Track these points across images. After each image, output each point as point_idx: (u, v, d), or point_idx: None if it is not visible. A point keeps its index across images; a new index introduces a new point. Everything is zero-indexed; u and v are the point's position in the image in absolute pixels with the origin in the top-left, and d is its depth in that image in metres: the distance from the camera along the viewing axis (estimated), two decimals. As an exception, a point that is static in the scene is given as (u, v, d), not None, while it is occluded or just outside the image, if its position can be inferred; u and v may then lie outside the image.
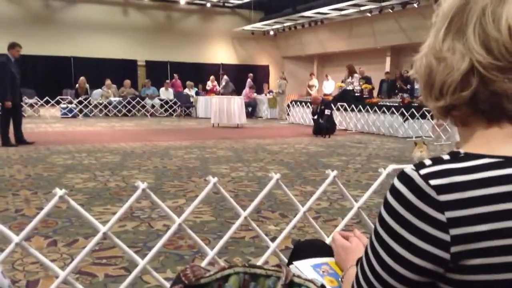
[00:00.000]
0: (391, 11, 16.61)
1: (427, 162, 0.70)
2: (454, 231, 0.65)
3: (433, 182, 0.67)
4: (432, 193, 0.66)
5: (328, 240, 1.84)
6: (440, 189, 0.66)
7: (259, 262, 2.11)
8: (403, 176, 0.70)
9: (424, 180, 0.67)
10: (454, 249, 0.66)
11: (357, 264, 0.88)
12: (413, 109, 10.20)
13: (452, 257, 0.66)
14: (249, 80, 16.88)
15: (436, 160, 0.70)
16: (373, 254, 0.74)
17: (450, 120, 0.77)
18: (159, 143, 8.55)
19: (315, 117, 10.63)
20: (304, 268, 1.10)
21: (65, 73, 20.28)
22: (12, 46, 7.83)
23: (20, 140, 8.04)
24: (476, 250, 0.65)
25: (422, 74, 0.76)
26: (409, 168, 0.70)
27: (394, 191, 0.70)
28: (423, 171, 0.68)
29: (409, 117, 10.16)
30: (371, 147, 8.42)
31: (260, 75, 23.76)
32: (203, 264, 2.04)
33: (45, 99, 15.15)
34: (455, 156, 0.70)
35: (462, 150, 0.71)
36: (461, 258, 0.66)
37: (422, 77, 0.77)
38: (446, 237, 0.65)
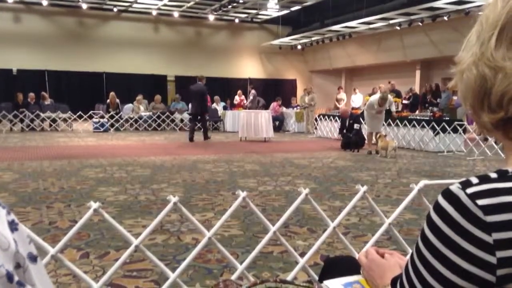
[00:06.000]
0: (420, 24, 16.43)
1: (474, 180, 0.67)
2: (501, 254, 0.63)
3: (480, 202, 0.64)
4: (479, 213, 0.64)
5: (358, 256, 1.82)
6: (487, 210, 0.64)
7: (288, 277, 2.10)
8: (448, 194, 0.68)
9: (471, 200, 0.65)
10: (500, 272, 0.63)
11: (392, 283, 0.86)
12: (444, 123, 10.00)
13: (498, 280, 0.63)
14: (253, 92, 17.12)
15: (483, 178, 0.67)
16: (415, 273, 0.72)
17: (502, 132, 0.72)
18: (188, 156, 8.65)
19: (344, 131, 10.58)
20: (336, 287, 1.09)
21: (98, 88, 20.85)
22: (202, 77, 12.59)
23: (207, 136, 12.35)
24: None
25: (473, 85, 0.71)
26: (455, 186, 0.68)
27: (439, 209, 0.68)
28: (470, 190, 0.66)
29: (440, 131, 9.97)
30: (401, 162, 8.29)
31: (287, 89, 23.82)
32: (232, 278, 2.04)
33: (78, 113, 15.58)
34: (503, 175, 0.68)
35: (510, 169, 0.69)
36: (507, 281, 0.63)
37: (472, 87, 0.72)
38: (492, 260, 0.63)
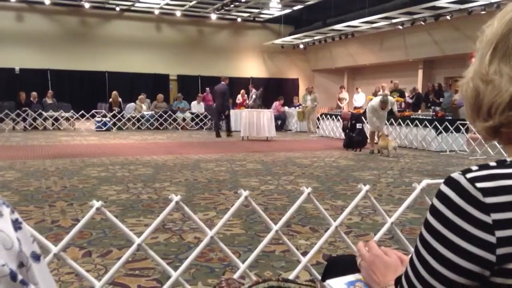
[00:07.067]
0: (423, 23, 16.39)
1: (474, 167, 0.72)
2: (500, 233, 0.66)
3: (479, 185, 0.68)
4: (479, 195, 0.68)
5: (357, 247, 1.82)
6: (486, 192, 0.68)
7: (290, 276, 2.10)
8: (450, 181, 0.72)
9: (470, 183, 0.69)
10: (499, 251, 0.66)
11: (395, 283, 0.87)
12: (446, 123, 9.98)
13: (498, 259, 0.67)
14: (254, 90, 17.14)
15: (483, 166, 0.72)
16: (419, 261, 0.74)
17: (498, 139, 0.80)
18: (190, 156, 8.65)
19: (347, 131, 10.59)
20: (338, 286, 1.09)
21: (100, 87, 20.87)
22: (226, 78, 13.66)
23: (230, 132, 13.74)
24: None
25: (469, 97, 0.80)
26: (456, 173, 0.72)
27: (441, 195, 0.72)
28: (470, 175, 0.70)
29: (442, 131, 9.95)
30: (403, 161, 8.28)
31: (289, 88, 23.80)
32: (234, 277, 2.04)
33: (80, 112, 15.60)
34: (502, 163, 0.72)
35: (509, 159, 0.74)
36: (506, 260, 0.67)
37: (469, 100, 0.80)
38: (492, 239, 0.67)
